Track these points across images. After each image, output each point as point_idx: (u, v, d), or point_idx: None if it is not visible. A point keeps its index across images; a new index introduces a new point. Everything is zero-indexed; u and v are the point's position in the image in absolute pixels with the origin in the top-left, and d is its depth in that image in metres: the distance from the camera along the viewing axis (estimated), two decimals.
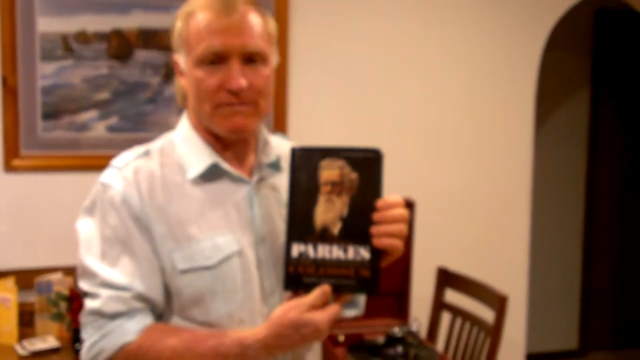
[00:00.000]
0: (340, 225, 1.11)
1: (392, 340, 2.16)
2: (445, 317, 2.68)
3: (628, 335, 4.37)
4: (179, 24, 1.21)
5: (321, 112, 2.87)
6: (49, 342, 2.31)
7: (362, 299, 1.35)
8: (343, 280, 1.10)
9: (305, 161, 1.13)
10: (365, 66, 2.92)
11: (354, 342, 2.30)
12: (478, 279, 2.53)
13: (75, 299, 2.27)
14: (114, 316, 1.13)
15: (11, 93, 2.49)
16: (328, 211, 1.11)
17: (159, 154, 1.22)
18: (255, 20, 1.18)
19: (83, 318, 1.17)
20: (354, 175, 1.11)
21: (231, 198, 1.21)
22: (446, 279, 2.67)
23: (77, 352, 2.26)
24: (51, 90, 2.54)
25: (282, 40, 2.74)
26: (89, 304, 1.16)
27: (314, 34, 2.84)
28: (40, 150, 2.56)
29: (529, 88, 3.17)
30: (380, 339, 2.21)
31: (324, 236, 1.11)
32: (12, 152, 2.52)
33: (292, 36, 2.78)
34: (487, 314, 2.42)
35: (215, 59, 1.15)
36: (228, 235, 1.19)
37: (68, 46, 2.54)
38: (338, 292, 1.10)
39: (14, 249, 2.56)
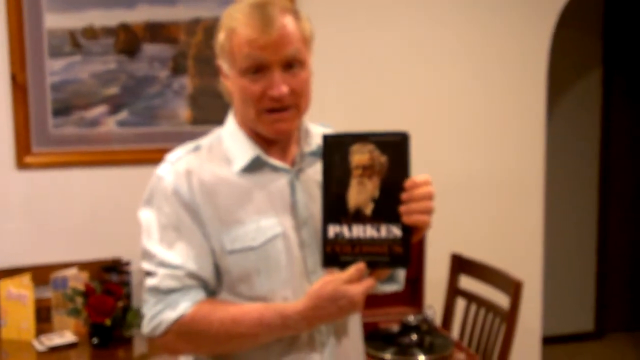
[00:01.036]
0: (372, 206, 1.19)
1: (406, 328, 2.16)
2: (460, 304, 2.67)
3: None
4: (222, 36, 1.30)
5: (334, 103, 2.85)
6: (66, 337, 2.33)
7: (401, 273, 1.45)
8: (377, 257, 1.18)
9: (337, 147, 1.21)
10: (376, 54, 2.90)
11: (368, 330, 2.29)
12: (492, 265, 2.52)
13: (91, 294, 2.29)
14: (169, 292, 1.27)
15: (21, 90, 2.50)
16: (360, 193, 1.19)
17: (208, 149, 1.35)
18: (292, 28, 1.27)
19: (144, 295, 1.32)
20: (383, 158, 1.18)
21: (274, 185, 1.32)
22: (460, 265, 2.67)
23: (94, 347, 2.28)
24: (60, 86, 2.55)
25: None
26: (149, 281, 1.30)
27: (323, 25, 2.81)
28: (52, 146, 2.57)
29: (540, 69, 3.13)
30: (395, 327, 2.21)
31: (358, 217, 1.19)
32: (23, 149, 2.53)
33: None
34: (502, 300, 2.41)
35: (258, 69, 1.25)
36: (272, 219, 1.29)
37: (76, 42, 2.54)
38: (373, 268, 1.19)
39: (29, 245, 2.58)
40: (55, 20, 2.51)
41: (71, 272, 2.45)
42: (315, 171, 1.35)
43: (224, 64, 1.32)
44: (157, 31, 2.62)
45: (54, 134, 2.57)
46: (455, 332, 2.72)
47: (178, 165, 1.31)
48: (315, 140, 1.38)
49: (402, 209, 1.18)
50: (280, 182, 1.33)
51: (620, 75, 4.16)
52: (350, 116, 2.88)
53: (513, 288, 2.29)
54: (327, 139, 1.22)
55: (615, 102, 4.17)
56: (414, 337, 2.14)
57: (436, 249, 2.79)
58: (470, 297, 2.57)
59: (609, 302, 4.30)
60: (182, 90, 2.68)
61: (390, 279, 1.42)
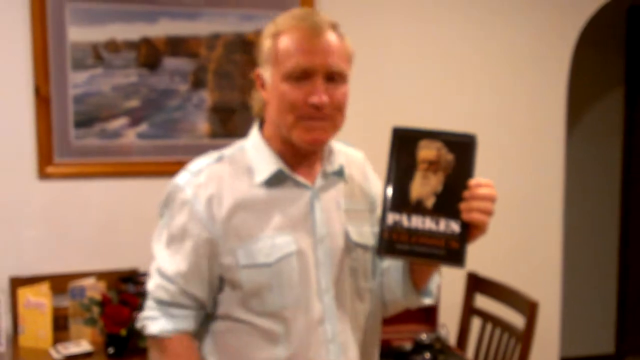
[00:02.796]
0: (434, 200, 1.20)
1: (419, 347, 2.15)
2: (476, 323, 2.65)
3: None
4: (267, 42, 1.31)
5: (349, 120, 2.86)
6: (83, 346, 2.35)
7: (435, 287, 1.43)
8: (433, 250, 1.19)
9: (406, 140, 1.23)
10: (394, 70, 2.91)
11: (381, 348, 2.29)
12: (508, 284, 2.50)
13: (107, 304, 2.31)
14: (160, 302, 1.32)
15: (44, 102, 2.55)
16: (424, 186, 1.21)
17: (230, 160, 1.35)
18: (337, 42, 1.29)
19: (148, 289, 1.36)
20: (450, 157, 1.21)
21: (294, 202, 1.32)
22: (476, 284, 2.65)
23: (109, 357, 2.30)
24: (82, 98, 2.59)
25: None
26: (150, 282, 1.35)
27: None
28: (73, 157, 2.61)
29: (561, 87, 3.12)
30: (408, 345, 2.20)
31: (418, 208, 1.21)
32: (45, 159, 2.57)
33: None
34: (517, 320, 2.39)
35: (302, 76, 1.26)
36: (288, 236, 1.30)
37: (98, 55, 2.59)
38: (427, 260, 1.20)
39: (48, 254, 2.62)
40: (78, 34, 2.55)
41: (89, 281, 2.48)
42: (336, 191, 1.37)
43: (265, 71, 1.32)
44: (177, 45, 2.66)
45: (75, 145, 2.61)
46: (470, 352, 2.69)
47: (198, 177, 1.31)
48: (338, 159, 1.39)
49: (463, 205, 1.20)
50: (301, 199, 1.33)
51: None
52: (362, 130, 2.89)
53: (529, 308, 2.27)
54: (397, 131, 1.24)
55: (637, 122, 4.12)
56: (427, 355, 2.14)
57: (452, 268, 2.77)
58: (486, 317, 2.55)
59: (629, 324, 4.23)
60: (202, 104, 2.71)
61: (426, 292, 1.41)
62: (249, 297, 1.29)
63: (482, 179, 1.21)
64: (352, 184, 1.42)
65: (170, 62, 2.66)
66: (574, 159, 3.94)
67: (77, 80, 2.58)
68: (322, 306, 1.31)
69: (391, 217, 1.21)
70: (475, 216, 1.19)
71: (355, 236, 1.37)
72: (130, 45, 2.61)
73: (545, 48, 3.08)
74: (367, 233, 1.39)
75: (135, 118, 2.65)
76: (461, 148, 1.22)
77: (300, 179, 1.33)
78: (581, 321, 4.11)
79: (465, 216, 1.19)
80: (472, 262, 2.79)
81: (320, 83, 1.26)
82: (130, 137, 2.66)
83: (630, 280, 4.21)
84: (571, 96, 3.39)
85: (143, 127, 2.66)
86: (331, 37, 1.28)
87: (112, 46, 2.59)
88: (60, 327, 2.47)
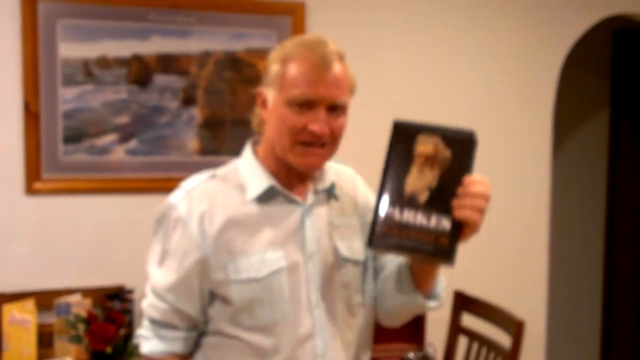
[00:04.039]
0: (427, 195, 1.20)
1: None
2: (462, 342, 2.65)
3: None
4: (275, 66, 1.32)
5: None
6: None
7: (442, 289, 1.42)
8: (423, 245, 1.18)
9: (404, 133, 1.23)
10: (383, 91, 2.94)
11: None
12: (495, 303, 2.51)
13: (93, 321, 2.29)
14: (152, 322, 1.35)
15: (33, 117, 2.54)
16: (419, 180, 1.20)
17: (223, 178, 1.37)
18: (343, 74, 1.32)
19: (142, 308, 1.39)
20: (447, 152, 1.21)
21: (285, 218, 1.35)
22: (463, 302, 2.65)
23: None
24: (72, 114, 2.59)
25: None
26: (145, 300, 1.37)
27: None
28: (61, 173, 2.60)
29: (547, 109, 3.16)
30: None
31: (411, 202, 1.20)
32: (33, 175, 2.56)
33: None
34: (504, 339, 2.39)
35: (305, 104, 1.29)
36: (278, 252, 1.32)
37: (89, 71, 2.59)
38: (415, 255, 1.20)
39: (34, 270, 2.60)
40: (69, 50, 2.56)
41: (75, 298, 2.46)
42: (327, 208, 1.40)
43: (268, 92, 1.34)
44: (168, 63, 2.67)
45: (63, 161, 2.60)
46: None
47: (191, 194, 1.33)
48: (329, 177, 1.42)
49: (456, 202, 1.19)
50: (292, 215, 1.35)
51: (627, 116, 4.17)
52: (350, 139, 2.91)
53: (515, 328, 2.28)
54: (396, 124, 1.24)
55: (623, 143, 4.16)
56: None
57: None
58: (472, 336, 2.55)
59: (615, 342, 4.25)
60: (192, 121, 2.71)
61: (432, 296, 1.41)
62: (240, 312, 1.30)
63: (477, 176, 1.22)
64: (342, 200, 1.44)
65: (161, 79, 2.67)
66: (561, 178, 3.98)
67: (67, 96, 2.58)
68: (312, 321, 1.32)
69: (383, 210, 1.20)
70: (467, 214, 1.19)
71: (345, 252, 1.39)
72: (121, 61, 2.62)
73: (532, 70, 3.12)
74: (358, 248, 1.41)
75: (125, 134, 2.65)
76: (459, 144, 1.22)
77: (292, 195, 1.36)
78: (566, 342, 4.12)
79: (457, 213, 1.19)
80: (459, 282, 2.83)
81: (322, 113, 1.29)
82: (120, 153, 2.66)
83: (616, 299, 4.24)
84: (558, 117, 3.42)
85: (132, 144, 2.67)
86: (338, 69, 1.30)
87: (103, 62, 2.60)
88: (45, 344, 2.45)
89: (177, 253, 1.32)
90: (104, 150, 2.64)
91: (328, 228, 1.38)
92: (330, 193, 1.41)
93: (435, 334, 2.70)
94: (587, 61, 3.98)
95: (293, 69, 1.30)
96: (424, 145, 1.21)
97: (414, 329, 2.52)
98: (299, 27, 2.76)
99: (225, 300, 1.31)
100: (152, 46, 2.65)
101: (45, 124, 2.57)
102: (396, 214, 1.20)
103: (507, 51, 3.09)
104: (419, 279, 1.35)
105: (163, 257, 1.34)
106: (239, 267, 1.29)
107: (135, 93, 2.65)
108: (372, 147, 2.90)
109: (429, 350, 2.26)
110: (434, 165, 1.20)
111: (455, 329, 2.65)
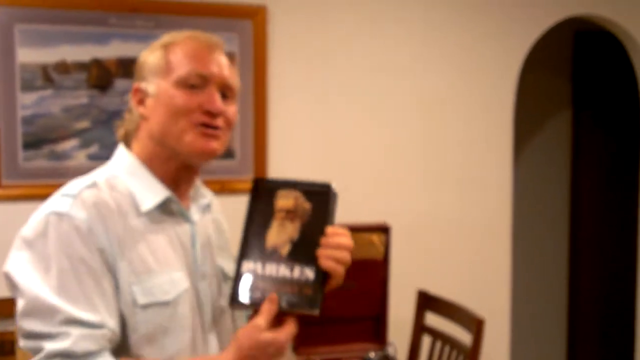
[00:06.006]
0: (289, 247, 1.20)
1: None
2: (426, 341, 2.68)
3: (615, 355, 4.37)
4: (156, 54, 1.26)
5: (302, 137, 2.89)
6: None
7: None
8: (286, 297, 1.17)
9: (264, 189, 1.25)
10: (344, 95, 2.95)
11: None
12: (457, 302, 2.54)
13: None
14: (85, 356, 1.08)
15: None
16: (280, 234, 1.21)
17: (107, 187, 1.21)
18: (231, 66, 1.28)
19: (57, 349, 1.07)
20: (307, 205, 1.22)
21: (179, 235, 1.25)
22: (426, 301, 2.68)
23: None
24: (31, 120, 2.57)
25: (260, 68, 2.78)
26: (51, 345, 1.07)
27: (292, 60, 2.87)
28: (22, 179, 2.58)
29: (507, 110, 3.20)
30: None
31: (273, 256, 1.20)
32: None
33: (271, 63, 2.82)
34: (467, 337, 2.42)
35: (197, 83, 1.21)
36: (179, 272, 1.22)
37: (48, 76, 2.57)
38: (280, 307, 1.16)
39: None
40: (27, 55, 2.54)
41: None
42: (209, 225, 1.34)
43: (149, 84, 1.24)
44: (129, 67, 2.65)
45: (23, 167, 2.58)
46: None
47: (83, 200, 1.15)
48: (207, 191, 1.37)
49: (319, 252, 1.17)
50: (184, 233, 1.26)
51: (590, 116, 4.23)
52: (315, 155, 2.92)
53: (475, 325, 2.31)
54: (257, 181, 1.26)
55: (585, 143, 4.23)
56: None
57: (404, 286, 2.81)
58: (436, 334, 2.58)
59: (580, 342, 4.31)
60: None
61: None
62: (142, 344, 1.15)
63: (338, 228, 1.20)
64: (216, 217, 1.39)
65: (122, 84, 2.65)
66: (524, 178, 4.04)
67: (26, 102, 2.55)
68: (206, 348, 1.25)
69: (245, 266, 1.19)
70: (329, 264, 1.17)
71: (230, 272, 1.31)
72: (81, 66, 2.60)
73: (491, 71, 3.15)
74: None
75: (86, 139, 2.63)
76: (318, 197, 1.23)
77: (185, 210, 1.27)
78: (531, 339, 4.18)
79: (322, 263, 1.17)
80: (424, 282, 2.85)
81: (215, 92, 1.22)
82: (81, 158, 2.64)
83: (581, 297, 4.30)
84: (519, 118, 3.47)
85: (94, 149, 2.65)
86: (225, 58, 1.27)
87: (62, 67, 2.58)
88: (7, 352, 2.42)
89: (91, 268, 1.11)
90: (65, 156, 2.62)
91: (210, 247, 1.32)
92: (207, 209, 1.35)
93: (401, 333, 2.72)
94: (548, 62, 4.04)
95: (179, 52, 1.23)
96: (284, 200, 1.22)
97: (376, 329, 2.54)
98: (260, 30, 2.77)
99: (129, 330, 1.14)
100: (112, 50, 2.63)
101: (4, 130, 2.54)
102: (258, 268, 1.19)
103: (466, 52, 3.12)
104: None
105: (67, 279, 1.10)
106: (146, 289, 1.15)
107: (96, 98, 2.63)
108: (333, 147, 2.93)
109: (390, 349, 2.28)
110: (294, 218, 1.21)
111: (419, 328, 2.67)
